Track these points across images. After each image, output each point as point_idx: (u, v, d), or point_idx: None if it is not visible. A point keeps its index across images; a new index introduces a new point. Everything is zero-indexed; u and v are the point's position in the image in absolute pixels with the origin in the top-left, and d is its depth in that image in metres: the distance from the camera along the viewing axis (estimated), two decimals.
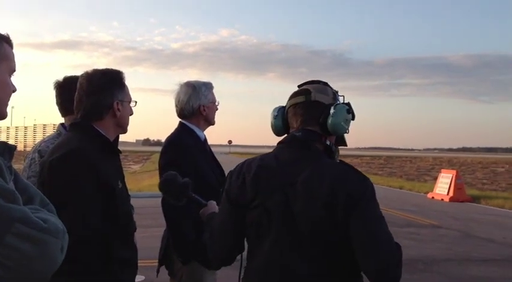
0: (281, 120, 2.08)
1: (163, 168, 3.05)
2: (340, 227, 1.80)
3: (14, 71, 1.54)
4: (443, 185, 17.54)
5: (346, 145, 2.10)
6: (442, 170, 19.94)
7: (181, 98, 3.20)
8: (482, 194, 18.69)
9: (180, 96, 3.21)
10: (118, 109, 2.30)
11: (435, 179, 20.45)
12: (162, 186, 2.32)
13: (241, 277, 2.05)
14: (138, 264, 2.41)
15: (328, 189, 1.82)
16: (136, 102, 2.44)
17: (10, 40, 1.53)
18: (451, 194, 16.86)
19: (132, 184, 19.66)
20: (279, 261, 1.89)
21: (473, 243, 9.36)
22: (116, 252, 2.20)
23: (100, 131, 2.28)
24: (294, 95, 2.04)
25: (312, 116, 1.97)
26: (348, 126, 1.99)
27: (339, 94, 2.06)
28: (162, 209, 3.09)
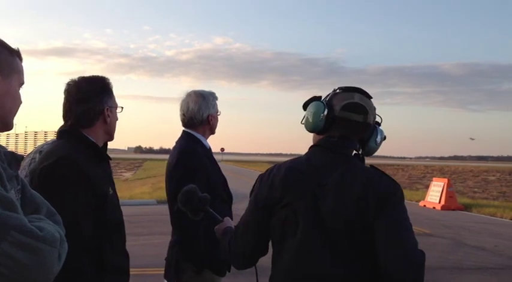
0: (323, 123, 1.99)
1: (181, 178, 2.92)
2: (370, 227, 1.81)
3: (23, 83, 1.60)
4: (435, 193, 17.59)
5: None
6: (434, 178, 20.00)
7: (190, 107, 3.16)
8: (473, 202, 18.75)
9: (190, 105, 3.17)
10: (108, 115, 2.30)
11: (427, 187, 20.53)
12: (181, 198, 2.27)
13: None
14: (130, 273, 2.39)
15: (360, 189, 1.84)
16: (122, 108, 2.43)
17: (20, 54, 1.59)
18: (442, 202, 16.91)
19: (124, 192, 19.56)
20: (311, 260, 1.88)
21: (465, 252, 9.37)
22: (109, 259, 2.18)
23: (90, 138, 2.27)
24: (352, 108, 1.96)
25: (359, 133, 2.02)
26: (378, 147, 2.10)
27: (377, 113, 2.09)
28: (172, 217, 3.08)
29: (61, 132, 2.32)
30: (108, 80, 2.36)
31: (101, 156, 2.31)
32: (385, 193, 1.85)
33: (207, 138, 3.25)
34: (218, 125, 3.30)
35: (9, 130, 1.60)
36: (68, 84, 2.31)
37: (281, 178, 1.98)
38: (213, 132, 3.28)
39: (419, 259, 1.81)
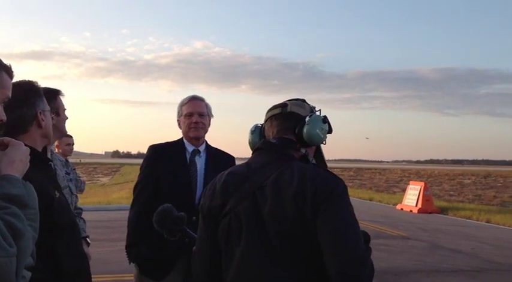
0: (258, 135, 2.09)
1: None
2: (311, 226, 1.72)
3: (7, 98, 1.59)
4: (412, 196, 17.78)
5: (323, 159, 2.09)
6: (411, 181, 20.24)
7: None
8: (450, 206, 18.99)
9: None
10: (42, 119, 2.25)
11: (404, 190, 20.72)
12: (156, 218, 2.24)
13: None
14: (106, 279, 2.35)
15: (296, 186, 1.77)
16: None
17: (11, 70, 1.57)
18: (419, 205, 17.10)
19: (102, 197, 19.37)
20: (251, 270, 1.81)
21: (442, 254, 9.47)
22: (65, 262, 2.13)
23: (27, 144, 2.23)
24: (271, 109, 2.05)
25: (288, 126, 1.98)
26: (325, 136, 2.00)
27: (316, 109, 2.07)
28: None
29: None
30: (37, 83, 2.31)
31: (40, 160, 2.25)
32: (323, 189, 1.74)
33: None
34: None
35: None
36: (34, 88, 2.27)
37: (221, 185, 1.94)
38: None
39: (361, 255, 1.70)
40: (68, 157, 6.16)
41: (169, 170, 3.17)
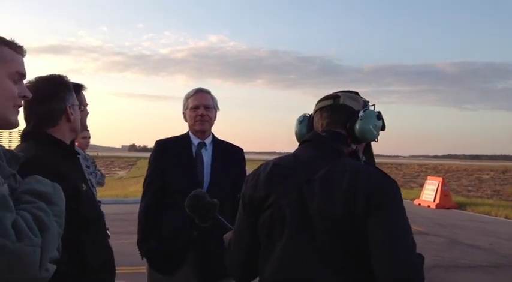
0: (306, 126, 2.00)
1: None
2: (361, 227, 1.64)
3: (20, 74, 1.54)
4: (430, 191, 17.63)
5: (373, 157, 2.00)
6: (428, 176, 20.04)
7: None
8: (468, 201, 18.81)
9: None
10: (71, 113, 2.27)
11: (421, 186, 20.58)
12: (187, 203, 2.18)
13: None
14: (123, 271, 2.35)
15: (348, 184, 1.68)
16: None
17: (15, 45, 1.54)
18: (437, 200, 16.95)
19: (119, 190, 19.52)
20: (293, 265, 1.73)
21: (460, 250, 9.39)
22: (91, 255, 2.14)
23: (56, 137, 2.24)
24: (322, 99, 1.95)
25: (338, 119, 1.89)
26: (377, 133, 1.90)
27: (370, 104, 1.97)
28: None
29: (24, 135, 2.27)
30: (67, 77, 2.33)
31: (69, 153, 2.28)
32: (377, 189, 1.67)
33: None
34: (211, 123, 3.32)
35: (11, 128, 1.55)
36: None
37: (266, 175, 1.86)
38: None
39: (416, 263, 1.64)
40: (85, 151, 6.21)
41: (175, 164, 3.18)
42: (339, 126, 1.88)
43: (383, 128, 1.93)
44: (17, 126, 1.56)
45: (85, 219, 2.15)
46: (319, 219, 1.70)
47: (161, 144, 3.31)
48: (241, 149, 3.40)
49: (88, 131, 6.80)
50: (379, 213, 1.64)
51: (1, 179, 1.35)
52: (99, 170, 6.66)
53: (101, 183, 6.24)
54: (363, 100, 1.95)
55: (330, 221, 1.68)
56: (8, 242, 1.22)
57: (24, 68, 1.56)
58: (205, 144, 3.25)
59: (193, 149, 3.23)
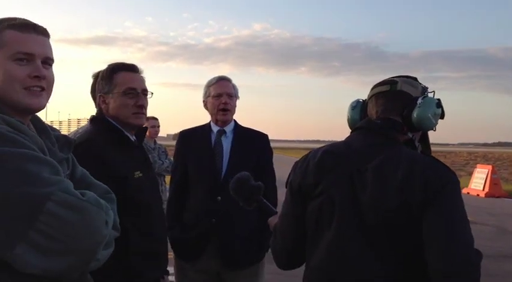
0: (359, 112, 1.93)
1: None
2: (416, 219, 1.59)
3: (26, 54, 1.42)
4: (479, 180, 17.19)
5: (429, 147, 1.92)
6: (478, 165, 19.53)
7: None
8: None
9: None
10: (103, 102, 2.33)
11: (470, 174, 20.06)
12: (232, 185, 2.17)
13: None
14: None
15: (403, 175, 1.62)
16: (152, 93, 2.40)
17: (19, 25, 1.44)
18: (486, 189, 16.52)
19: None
20: (343, 256, 1.70)
21: (510, 239, 9.18)
22: (134, 242, 2.13)
23: (113, 122, 2.32)
24: (378, 84, 1.88)
25: (395, 106, 1.81)
26: (436, 121, 1.82)
27: (429, 90, 1.88)
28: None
29: (91, 119, 2.40)
30: (110, 66, 2.39)
31: (125, 141, 2.32)
32: (436, 181, 1.60)
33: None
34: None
35: (33, 111, 1.48)
36: (97, 74, 2.39)
37: (316, 163, 1.80)
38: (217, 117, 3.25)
39: (474, 258, 1.57)
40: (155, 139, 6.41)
41: (195, 153, 3.22)
42: (395, 114, 1.81)
43: (442, 116, 1.85)
44: (38, 109, 1.47)
45: (134, 207, 2.16)
46: (371, 210, 1.66)
47: (183, 134, 3.37)
48: (266, 135, 3.37)
49: (157, 119, 6.90)
50: (436, 204, 1.58)
51: (64, 172, 1.42)
52: (169, 159, 6.72)
53: (169, 172, 6.32)
54: (422, 86, 1.87)
55: (383, 212, 1.64)
56: (74, 198, 1.27)
57: (34, 47, 1.43)
58: (225, 132, 3.24)
59: (213, 137, 3.24)
